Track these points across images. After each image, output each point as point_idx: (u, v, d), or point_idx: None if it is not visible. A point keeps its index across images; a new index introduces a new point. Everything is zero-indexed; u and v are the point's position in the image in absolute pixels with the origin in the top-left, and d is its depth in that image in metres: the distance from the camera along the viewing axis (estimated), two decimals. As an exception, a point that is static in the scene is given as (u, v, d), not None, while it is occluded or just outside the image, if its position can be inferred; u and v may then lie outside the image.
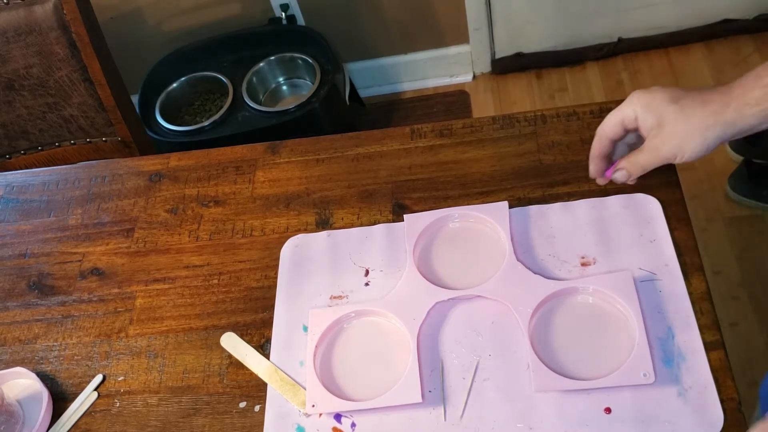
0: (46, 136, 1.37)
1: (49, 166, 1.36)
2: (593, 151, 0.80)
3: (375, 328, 0.79)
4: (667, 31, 2.03)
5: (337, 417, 0.74)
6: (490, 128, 0.93)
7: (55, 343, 0.86)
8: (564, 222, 0.82)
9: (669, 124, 0.71)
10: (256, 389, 0.78)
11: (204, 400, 0.78)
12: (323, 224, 0.89)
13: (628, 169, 0.77)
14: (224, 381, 0.79)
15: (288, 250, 0.87)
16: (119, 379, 0.82)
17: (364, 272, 0.83)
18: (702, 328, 0.72)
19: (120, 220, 0.95)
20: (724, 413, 0.67)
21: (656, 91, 0.73)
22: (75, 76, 1.27)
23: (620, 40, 2.04)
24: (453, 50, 2.06)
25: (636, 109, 0.73)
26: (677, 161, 0.73)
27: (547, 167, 0.88)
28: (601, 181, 0.82)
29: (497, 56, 2.10)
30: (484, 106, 2.07)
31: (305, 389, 0.75)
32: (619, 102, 0.91)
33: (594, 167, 0.81)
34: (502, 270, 0.78)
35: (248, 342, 0.81)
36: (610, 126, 0.76)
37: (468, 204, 0.86)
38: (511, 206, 0.84)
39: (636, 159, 0.76)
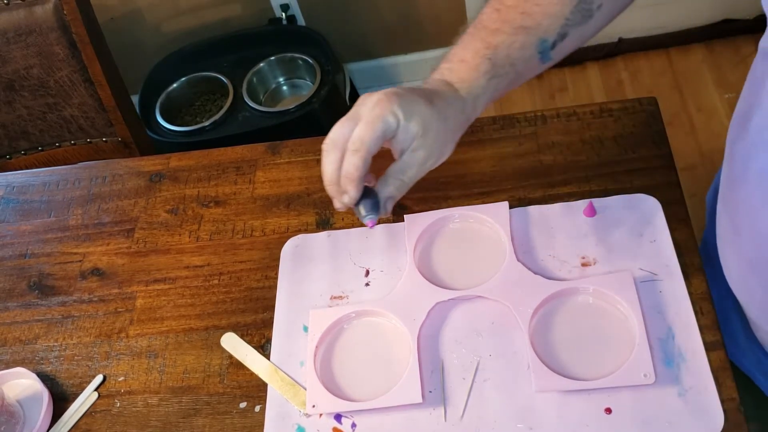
0: (47, 137, 1.37)
1: (49, 166, 1.36)
2: (356, 173, 0.64)
3: (375, 328, 0.79)
4: (667, 31, 2.03)
5: (338, 417, 0.74)
6: (490, 128, 0.93)
7: (56, 344, 0.86)
8: (564, 222, 0.82)
9: (432, 130, 0.65)
10: (257, 389, 0.78)
11: (204, 400, 0.78)
12: (323, 224, 0.89)
13: (396, 196, 0.68)
14: (224, 381, 0.79)
15: (288, 250, 0.87)
16: (119, 379, 0.82)
17: (364, 272, 0.83)
18: (702, 329, 0.72)
19: (120, 220, 0.95)
20: (725, 414, 0.67)
21: (409, 94, 0.64)
22: (75, 76, 1.27)
23: (620, 40, 2.04)
24: (453, 50, 2.06)
25: (398, 114, 0.63)
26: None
27: (547, 167, 0.88)
28: (369, 224, 0.69)
29: (497, 56, 2.09)
30: (484, 106, 2.07)
31: (305, 389, 0.75)
32: (619, 102, 0.91)
33: (356, 192, 0.66)
34: (503, 270, 0.78)
35: (248, 342, 0.81)
36: (376, 142, 0.64)
37: (468, 204, 0.86)
38: (511, 206, 0.84)
39: (402, 180, 0.67)
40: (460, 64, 0.68)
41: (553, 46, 0.69)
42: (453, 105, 0.67)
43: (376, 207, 0.67)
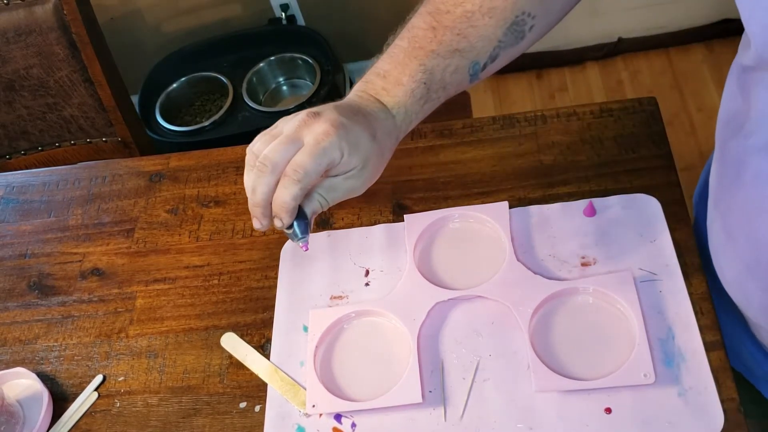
0: (46, 137, 1.37)
1: (49, 166, 1.36)
2: (294, 203, 0.62)
3: (375, 328, 0.79)
4: (667, 30, 2.03)
5: (338, 417, 0.74)
6: (490, 128, 0.93)
7: (56, 344, 0.86)
8: (564, 222, 0.82)
9: (370, 164, 0.64)
10: (257, 389, 0.78)
11: (204, 400, 0.78)
12: (323, 224, 0.89)
13: (317, 213, 0.66)
14: (224, 381, 0.79)
15: (288, 250, 0.87)
16: (119, 379, 0.82)
17: (364, 272, 0.83)
18: (702, 329, 0.72)
19: (120, 220, 0.95)
20: (725, 414, 0.67)
21: (355, 127, 0.62)
22: (75, 76, 1.27)
23: (620, 39, 2.04)
24: (453, 50, 2.05)
25: (343, 150, 0.61)
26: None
27: (547, 167, 0.88)
28: (304, 247, 0.67)
29: (497, 56, 2.10)
30: (484, 106, 2.07)
31: (305, 389, 0.75)
32: (619, 102, 0.91)
33: (291, 219, 0.63)
34: (503, 270, 0.78)
35: (248, 342, 0.81)
36: (318, 174, 0.61)
37: (468, 204, 0.86)
38: (511, 206, 0.84)
39: (327, 200, 0.65)
40: (397, 87, 0.66)
41: (484, 67, 0.69)
42: (390, 134, 0.67)
43: (307, 228, 0.65)
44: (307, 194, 0.64)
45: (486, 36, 0.67)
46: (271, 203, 0.62)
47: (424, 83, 0.66)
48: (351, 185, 0.65)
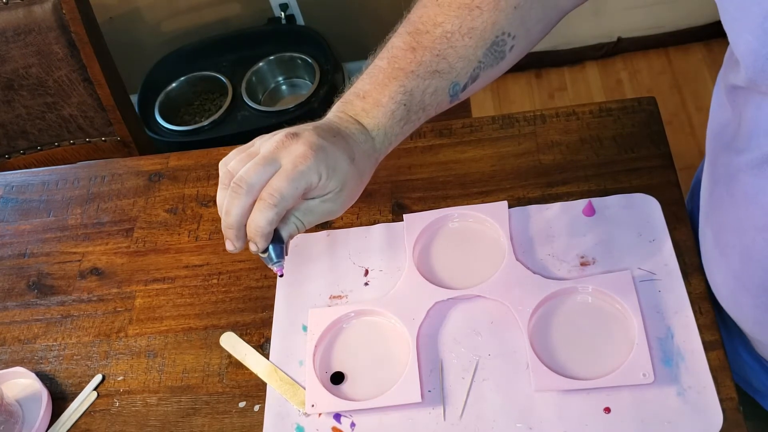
0: (46, 136, 1.37)
1: (48, 165, 1.36)
2: (269, 228, 0.60)
3: (374, 328, 0.79)
4: (666, 30, 2.03)
5: (337, 417, 0.74)
6: (489, 128, 0.93)
7: (55, 343, 0.86)
8: (563, 222, 0.82)
9: (347, 188, 0.63)
10: (256, 389, 0.78)
11: (203, 399, 0.78)
12: (323, 224, 0.89)
13: (293, 236, 0.64)
14: (224, 381, 0.79)
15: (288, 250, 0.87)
16: (119, 378, 0.82)
17: (363, 272, 0.83)
18: (701, 328, 0.72)
19: (119, 219, 0.95)
20: (724, 413, 0.67)
21: (334, 150, 0.61)
22: (74, 75, 1.27)
23: (620, 39, 2.04)
24: (452, 50, 2.05)
25: (321, 174, 0.60)
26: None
27: (546, 167, 0.88)
28: (279, 271, 0.65)
29: (496, 56, 2.09)
30: (483, 106, 2.07)
31: (305, 389, 0.75)
32: (618, 101, 0.91)
33: (266, 243, 0.61)
34: (502, 270, 0.78)
35: (248, 342, 0.81)
36: (295, 199, 0.60)
37: (467, 204, 0.86)
38: (510, 206, 0.84)
39: (303, 223, 0.64)
40: (376, 108, 0.65)
41: (464, 88, 0.68)
42: (369, 156, 0.65)
43: (282, 252, 0.63)
44: (284, 217, 0.62)
45: (466, 57, 0.66)
46: (245, 226, 0.60)
47: (404, 105, 0.65)
48: (328, 208, 0.63)
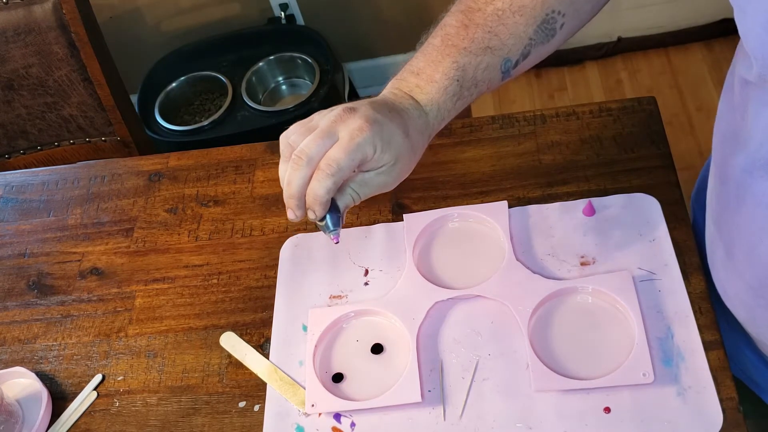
0: (45, 136, 1.37)
1: (48, 165, 1.36)
2: (328, 196, 0.63)
3: (374, 327, 0.79)
4: (666, 30, 2.03)
5: (337, 417, 0.74)
6: (489, 128, 0.93)
7: (55, 343, 0.86)
8: (563, 221, 0.82)
9: (401, 161, 0.65)
10: (256, 389, 0.78)
11: (203, 399, 0.78)
12: (323, 224, 0.89)
13: (349, 207, 0.67)
14: (224, 381, 0.79)
15: (287, 249, 0.87)
16: (118, 378, 0.82)
17: (363, 272, 0.83)
18: (701, 328, 0.72)
19: (119, 219, 0.95)
20: (723, 413, 0.67)
21: (389, 124, 0.63)
22: (74, 75, 1.27)
23: (620, 39, 2.04)
24: (452, 50, 2.05)
25: (377, 146, 0.62)
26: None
27: (546, 167, 0.88)
28: (335, 239, 0.67)
29: (496, 56, 2.09)
30: (483, 106, 2.07)
31: (305, 389, 0.75)
32: (618, 101, 0.91)
33: (324, 211, 0.64)
34: (502, 270, 0.78)
35: (248, 342, 0.81)
36: (351, 169, 0.62)
37: (467, 204, 0.86)
38: (510, 206, 0.84)
39: (359, 194, 0.66)
40: (430, 84, 0.67)
41: (516, 64, 0.70)
42: (423, 132, 0.67)
43: (339, 221, 0.66)
44: (340, 188, 0.65)
45: (516, 34, 0.68)
46: (305, 195, 0.63)
47: (457, 80, 0.67)
48: (383, 180, 0.66)
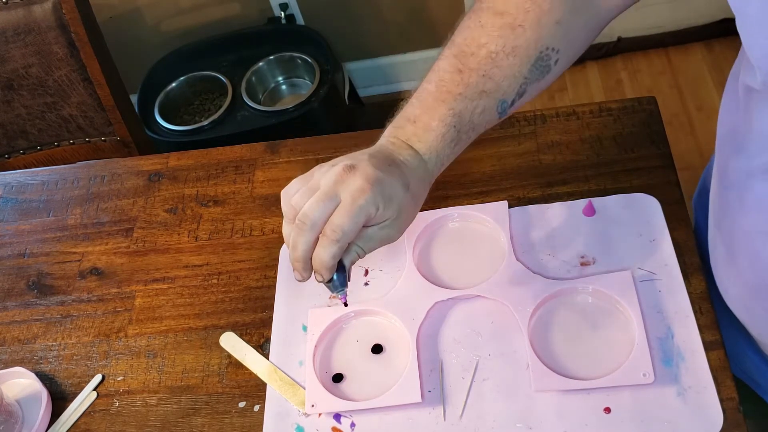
0: (45, 136, 1.37)
1: (48, 165, 1.36)
2: (333, 262, 0.63)
3: (374, 327, 0.79)
4: (666, 30, 2.03)
5: (337, 417, 0.74)
6: (489, 128, 0.92)
7: (55, 343, 0.86)
8: (563, 222, 0.82)
9: (404, 214, 0.65)
10: (256, 389, 0.78)
11: (203, 399, 0.78)
12: (322, 224, 0.89)
13: (355, 260, 0.66)
14: (223, 381, 0.79)
15: (287, 249, 0.87)
16: (118, 378, 0.81)
17: (363, 272, 0.83)
18: (701, 328, 0.72)
19: (119, 219, 0.95)
20: (724, 413, 0.67)
21: (389, 179, 0.63)
22: (74, 75, 1.27)
23: (620, 39, 2.04)
24: (452, 50, 2.05)
25: (379, 205, 0.62)
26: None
27: (546, 167, 0.88)
28: (343, 298, 0.67)
29: (496, 56, 2.09)
30: (483, 106, 2.07)
31: (304, 389, 0.75)
32: (619, 101, 0.91)
33: (330, 275, 0.64)
34: (502, 270, 0.78)
35: (247, 342, 0.81)
36: (355, 232, 0.62)
37: (467, 204, 0.86)
38: (510, 206, 0.84)
39: (364, 250, 0.65)
40: (427, 133, 0.67)
41: (512, 104, 0.69)
42: (423, 180, 0.67)
43: (345, 280, 0.66)
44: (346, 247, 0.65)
45: (511, 75, 0.67)
46: (310, 258, 0.64)
47: (454, 126, 0.67)
48: (386, 234, 0.65)
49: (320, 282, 0.65)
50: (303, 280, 0.65)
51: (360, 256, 0.66)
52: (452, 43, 0.69)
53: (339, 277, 0.65)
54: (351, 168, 0.63)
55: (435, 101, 0.67)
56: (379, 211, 0.63)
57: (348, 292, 0.66)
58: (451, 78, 0.67)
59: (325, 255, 0.62)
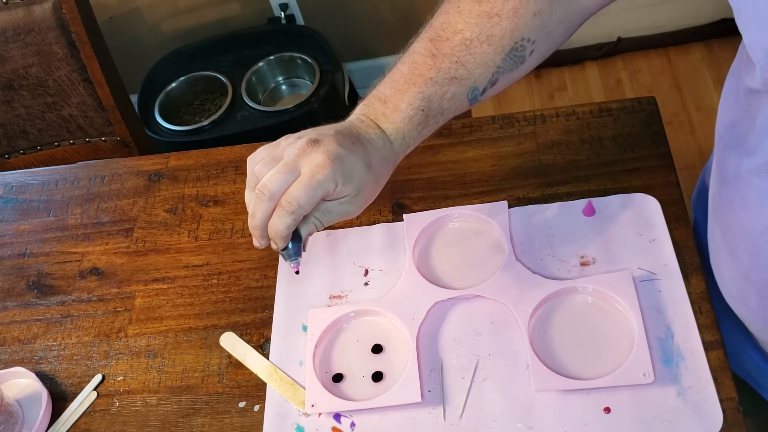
0: (45, 136, 1.37)
1: (48, 165, 1.36)
2: (287, 232, 0.64)
3: (374, 327, 0.79)
4: (666, 30, 2.03)
5: (337, 417, 0.74)
6: (489, 128, 0.93)
7: (55, 343, 0.86)
8: (563, 222, 0.82)
9: (364, 191, 0.66)
10: (256, 389, 0.78)
11: (203, 399, 0.78)
12: (322, 224, 0.89)
13: (311, 234, 0.68)
14: (223, 381, 0.79)
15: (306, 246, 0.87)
16: (118, 378, 0.82)
17: (363, 272, 0.83)
18: (701, 328, 0.72)
19: (119, 219, 0.95)
20: (724, 413, 0.67)
21: (351, 157, 0.64)
22: (74, 75, 1.27)
23: (620, 39, 2.04)
24: (452, 50, 2.05)
25: (338, 182, 0.63)
26: None
27: (546, 167, 0.88)
28: (295, 267, 0.69)
29: (496, 56, 2.09)
30: (483, 106, 2.07)
31: (305, 389, 0.75)
32: (618, 101, 0.91)
33: (285, 243, 0.66)
34: (502, 270, 0.78)
35: (248, 342, 0.81)
36: (311, 205, 0.64)
37: (467, 204, 0.86)
38: (510, 206, 0.84)
39: (321, 223, 0.67)
40: (395, 114, 0.68)
41: (483, 92, 0.70)
42: (387, 160, 0.68)
43: (300, 250, 0.68)
44: (303, 217, 0.66)
45: (484, 63, 0.68)
46: (267, 227, 0.65)
47: (422, 110, 0.68)
48: (345, 209, 0.67)
49: (275, 249, 0.67)
50: (260, 246, 0.67)
51: (318, 228, 0.67)
52: (430, 26, 0.70)
53: (294, 246, 0.67)
54: (315, 142, 0.64)
55: (406, 83, 0.68)
56: (337, 188, 0.64)
57: (301, 261, 0.69)
58: (423, 61, 0.68)
59: (279, 225, 0.64)
